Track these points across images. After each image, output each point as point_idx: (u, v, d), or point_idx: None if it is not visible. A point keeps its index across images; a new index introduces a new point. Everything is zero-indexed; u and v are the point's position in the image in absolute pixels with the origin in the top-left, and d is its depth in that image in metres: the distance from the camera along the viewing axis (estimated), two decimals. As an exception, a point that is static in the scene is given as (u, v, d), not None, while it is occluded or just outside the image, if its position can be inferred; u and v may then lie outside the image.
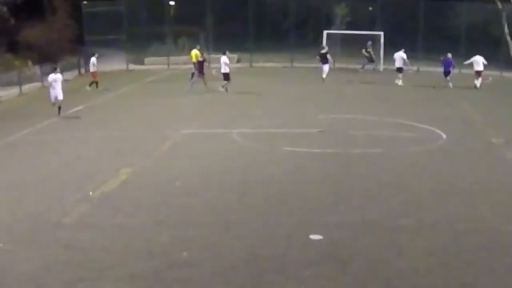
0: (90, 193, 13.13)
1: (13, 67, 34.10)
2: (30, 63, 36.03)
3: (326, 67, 33.16)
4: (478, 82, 30.74)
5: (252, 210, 12.27)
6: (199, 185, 13.94)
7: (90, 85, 30.08)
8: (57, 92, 22.48)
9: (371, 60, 38.10)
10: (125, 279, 9.10)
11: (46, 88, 31.31)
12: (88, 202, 12.65)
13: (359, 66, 37.71)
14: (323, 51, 34.08)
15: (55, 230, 11.03)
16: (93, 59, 30.61)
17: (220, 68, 28.75)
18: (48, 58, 35.64)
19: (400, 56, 32.31)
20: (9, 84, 30.43)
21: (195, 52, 33.78)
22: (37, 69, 33.87)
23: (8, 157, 16.89)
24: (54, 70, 23.51)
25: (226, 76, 28.56)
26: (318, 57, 34.03)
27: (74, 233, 10.90)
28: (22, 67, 33.90)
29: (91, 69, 30.71)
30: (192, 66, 32.94)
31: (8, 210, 12.17)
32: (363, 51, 38.17)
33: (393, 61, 33.17)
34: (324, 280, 9.15)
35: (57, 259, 9.85)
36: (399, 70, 32.37)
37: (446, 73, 31.46)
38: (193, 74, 31.99)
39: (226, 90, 28.46)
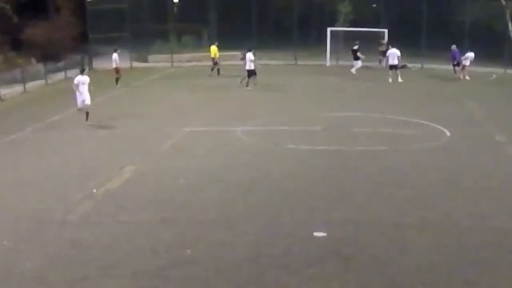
0: (94, 190, 13.16)
1: (16, 65, 34.18)
2: (33, 61, 36.09)
3: (358, 63, 34.75)
4: (461, 75, 32.28)
5: (256, 207, 12.27)
6: (202, 182, 13.95)
7: (117, 82, 30.31)
8: (84, 96, 20.51)
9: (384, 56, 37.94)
10: (128, 277, 9.12)
11: (49, 86, 31.75)
12: (92, 200, 12.68)
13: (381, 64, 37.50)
14: (355, 47, 34.97)
15: (58, 228, 11.07)
16: (115, 55, 30.76)
17: (246, 65, 29.35)
18: (51, 56, 35.74)
19: (395, 53, 32.33)
20: (12, 82, 30.49)
21: (213, 48, 34.41)
22: (40, 67, 33.95)
23: (11, 155, 16.93)
24: (81, 72, 21.33)
25: (250, 73, 29.08)
26: (351, 53, 35.35)
27: (77, 231, 10.93)
28: (25, 65, 33.96)
29: (113, 65, 30.84)
30: (211, 62, 34.60)
31: (11, 208, 12.21)
32: (379, 48, 38.08)
33: (387, 58, 33.28)
34: (328, 277, 9.16)
35: (61, 256, 9.88)
36: (394, 67, 32.32)
37: (456, 64, 32.86)
38: (213, 69, 33.99)
39: (246, 85, 29.06)
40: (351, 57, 35.84)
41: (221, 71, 34.47)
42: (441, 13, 38.53)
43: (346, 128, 19.90)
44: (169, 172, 14.76)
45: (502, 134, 18.96)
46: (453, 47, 33.00)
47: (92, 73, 36.05)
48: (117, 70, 30.57)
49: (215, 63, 34.52)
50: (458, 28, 38.04)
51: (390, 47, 33.38)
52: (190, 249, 10.07)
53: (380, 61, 37.68)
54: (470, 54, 32.25)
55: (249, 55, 29.21)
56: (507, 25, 38.28)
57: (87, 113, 20.51)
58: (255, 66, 29.34)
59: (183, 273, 9.25)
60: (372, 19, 41.56)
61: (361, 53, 35.10)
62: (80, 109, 20.67)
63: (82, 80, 20.67)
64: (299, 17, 41.82)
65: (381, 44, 37.73)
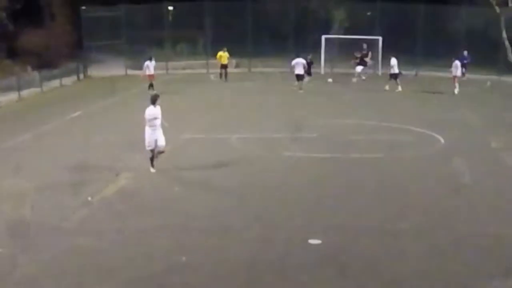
0: (89, 198, 13.14)
1: (12, 72, 34.17)
2: (29, 68, 36.06)
3: (359, 68, 35.73)
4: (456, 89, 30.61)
5: (251, 214, 12.27)
6: (198, 189, 13.95)
7: (149, 87, 30.46)
8: (157, 134, 15.52)
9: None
10: (124, 284, 9.11)
11: (45, 94, 31.69)
12: (87, 207, 12.66)
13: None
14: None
15: (54, 235, 11.03)
16: (147, 63, 31.09)
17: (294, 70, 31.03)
18: (47, 64, 35.72)
19: (395, 62, 32.37)
20: (8, 89, 30.41)
21: (219, 54, 35.86)
22: (36, 75, 33.92)
23: (7, 162, 16.87)
24: (153, 102, 15.98)
25: (301, 77, 30.83)
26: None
27: (73, 237, 10.90)
28: (21, 73, 33.92)
29: (146, 71, 31.12)
30: (219, 69, 35.86)
31: (7, 215, 12.17)
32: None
33: (391, 67, 32.98)
34: (323, 284, 9.17)
35: (57, 263, 9.85)
36: (394, 76, 32.25)
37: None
38: (221, 75, 35.38)
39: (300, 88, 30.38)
40: (346, 64, 36.00)
41: (215, 77, 34.91)
42: (436, 20, 38.68)
43: (341, 135, 19.92)
44: (165, 179, 14.75)
45: (498, 141, 19.01)
46: (465, 52, 33.37)
47: (88, 80, 36.25)
48: (150, 77, 30.84)
49: (224, 68, 35.73)
50: (453, 35, 38.20)
51: (391, 57, 33.14)
52: (186, 256, 10.05)
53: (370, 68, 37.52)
54: (457, 63, 31.80)
55: (300, 60, 31.06)
56: (501, 33, 38.46)
57: (159, 152, 15.61)
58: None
59: (179, 280, 9.24)
60: (367, 27, 41.56)
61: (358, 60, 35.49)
62: (151, 152, 15.59)
63: (154, 113, 15.82)
64: (294, 24, 41.90)
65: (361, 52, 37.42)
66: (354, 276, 9.41)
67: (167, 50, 42.98)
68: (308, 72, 32.03)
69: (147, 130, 15.58)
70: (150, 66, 31.01)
